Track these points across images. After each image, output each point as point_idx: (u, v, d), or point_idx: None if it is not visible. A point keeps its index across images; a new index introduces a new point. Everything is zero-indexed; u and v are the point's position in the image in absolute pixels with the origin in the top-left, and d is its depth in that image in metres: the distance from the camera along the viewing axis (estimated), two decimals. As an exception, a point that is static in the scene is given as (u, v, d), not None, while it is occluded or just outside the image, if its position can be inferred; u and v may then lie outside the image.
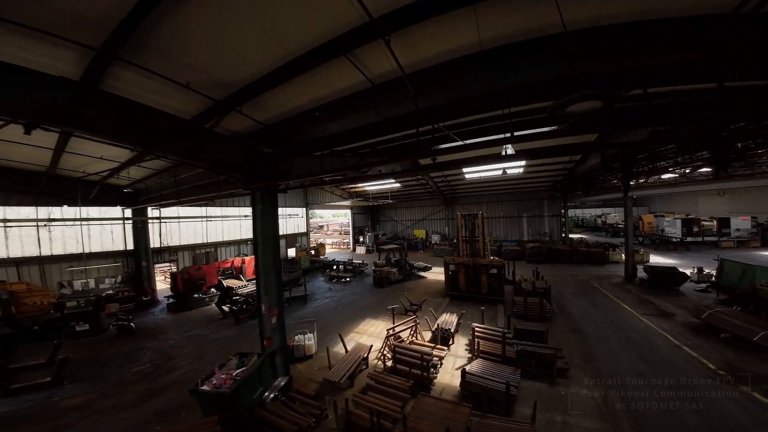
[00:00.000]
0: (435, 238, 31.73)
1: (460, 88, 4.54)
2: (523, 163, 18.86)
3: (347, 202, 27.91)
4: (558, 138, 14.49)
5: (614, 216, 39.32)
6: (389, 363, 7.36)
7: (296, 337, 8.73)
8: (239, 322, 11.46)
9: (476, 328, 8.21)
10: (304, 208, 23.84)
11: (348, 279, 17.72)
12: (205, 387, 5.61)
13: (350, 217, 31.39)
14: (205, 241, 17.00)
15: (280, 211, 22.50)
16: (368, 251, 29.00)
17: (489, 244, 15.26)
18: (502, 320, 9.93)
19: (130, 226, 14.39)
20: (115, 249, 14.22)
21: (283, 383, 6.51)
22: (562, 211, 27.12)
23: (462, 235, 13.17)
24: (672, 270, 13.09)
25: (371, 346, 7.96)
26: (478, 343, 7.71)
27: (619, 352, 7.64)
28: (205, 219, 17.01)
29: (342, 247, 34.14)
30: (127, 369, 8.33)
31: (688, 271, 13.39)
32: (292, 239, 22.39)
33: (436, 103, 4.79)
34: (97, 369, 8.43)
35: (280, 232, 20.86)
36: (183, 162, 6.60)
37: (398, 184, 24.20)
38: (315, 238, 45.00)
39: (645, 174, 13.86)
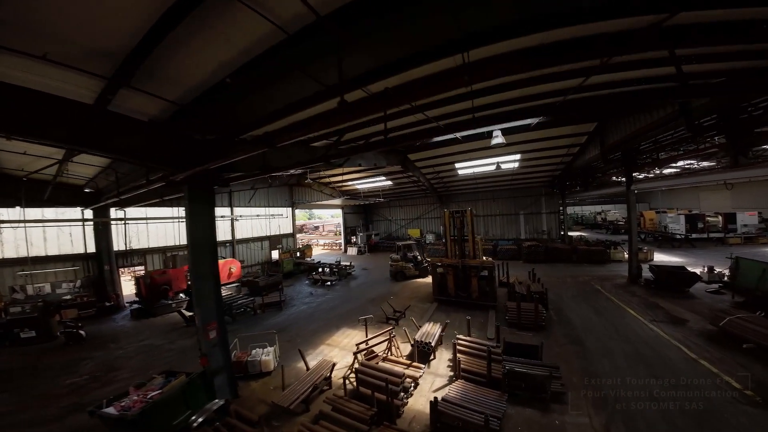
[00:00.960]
0: (429, 237, 30.55)
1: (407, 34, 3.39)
2: (518, 156, 17.66)
3: (337, 201, 26.74)
4: (551, 129, 13.35)
5: (614, 213, 37.88)
6: (355, 384, 6.21)
7: (253, 351, 7.56)
8: (202, 331, 10.33)
9: (459, 342, 7.02)
10: (290, 208, 22.65)
11: (332, 283, 16.55)
12: (110, 409, 4.66)
13: (341, 217, 30.22)
14: (177, 243, 15.83)
15: (262, 211, 21.29)
16: (360, 252, 27.79)
17: (481, 243, 14.05)
18: (492, 330, 8.78)
19: (92, 227, 13.25)
20: (74, 252, 13.07)
21: (216, 406, 5.37)
22: (561, 208, 26.05)
23: (450, 234, 12.00)
24: (681, 270, 11.90)
25: (334, 364, 6.78)
26: (460, 360, 6.54)
27: (625, 368, 6.44)
28: (177, 220, 15.85)
29: (335, 248, 32.98)
30: (61, 380, 7.43)
31: (697, 271, 12.21)
32: (276, 240, 21.22)
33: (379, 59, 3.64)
34: (27, 379, 7.59)
35: (264, 233, 19.65)
36: (92, 152, 5.42)
37: (390, 182, 23.05)
38: (309, 238, 43.93)
39: (649, 165, 12.67)
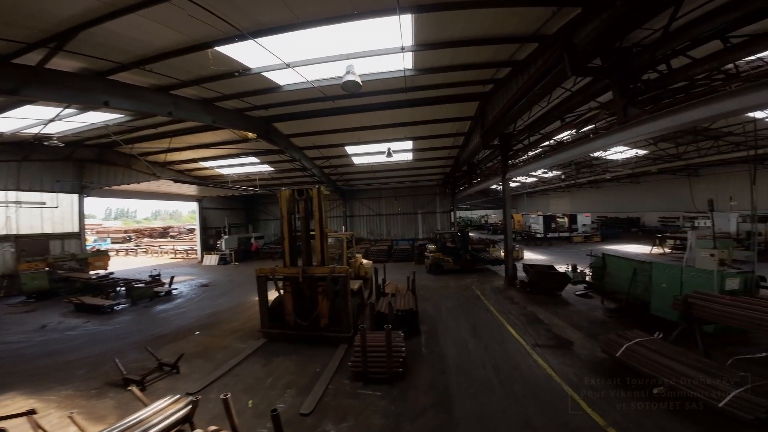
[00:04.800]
0: (331, 241, 26.21)
1: None
2: (410, 145, 15.13)
3: (191, 190, 19.43)
4: (437, 105, 10.68)
5: (494, 216, 43.96)
6: None
7: None
8: None
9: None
10: (74, 195, 14.46)
11: (111, 309, 10.14)
12: None
13: (197, 214, 22.49)
14: None
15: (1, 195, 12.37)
16: (224, 262, 20.83)
17: (348, 240, 10.28)
18: (320, 391, 4.87)
19: None
20: None
21: None
22: (452, 207, 26.07)
23: (288, 229, 7.62)
24: (552, 271, 10.78)
25: None
26: None
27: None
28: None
29: (192, 255, 24.70)
30: None
31: (563, 269, 11.45)
32: (34, 242, 12.77)
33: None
34: None
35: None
36: None
37: (270, 167, 17.57)
38: (162, 244, 33.48)
39: (523, 150, 11.50)
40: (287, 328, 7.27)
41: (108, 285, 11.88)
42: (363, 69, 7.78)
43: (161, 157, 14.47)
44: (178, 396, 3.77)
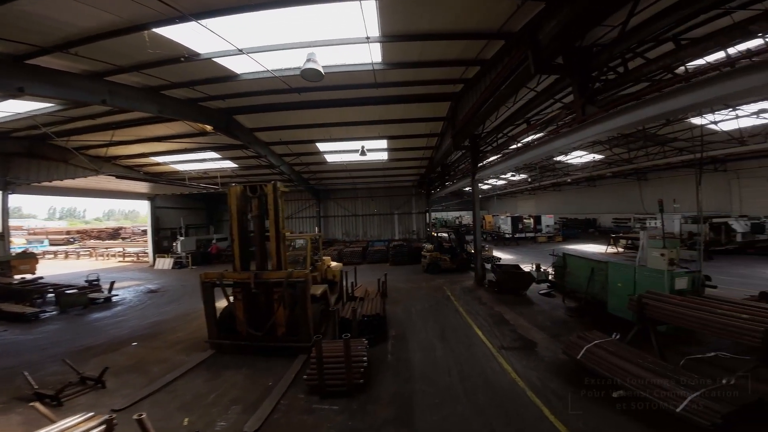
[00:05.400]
0: (300, 242, 25.10)
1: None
2: (384, 144, 14.72)
3: (141, 188, 17.61)
4: (410, 104, 10.34)
5: (467, 217, 44.45)
6: None
7: None
8: None
9: None
10: None
11: (36, 318, 8.77)
12: None
13: (149, 213, 20.51)
14: None
15: None
16: (179, 266, 19.06)
17: (313, 244, 9.68)
18: (269, 406, 4.31)
19: None
20: None
21: None
22: (427, 208, 26.19)
23: (238, 228, 6.88)
24: (518, 271, 10.93)
25: None
26: None
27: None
28: None
29: (144, 258, 22.51)
30: None
31: (528, 268, 11.70)
32: None
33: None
34: None
35: None
36: None
37: (234, 164, 16.34)
38: (112, 245, 30.56)
39: (492, 152, 11.65)
40: (239, 338, 6.57)
41: (33, 291, 10.28)
42: (328, 60, 7.29)
43: (103, 151, 12.87)
44: (92, 414, 3.12)
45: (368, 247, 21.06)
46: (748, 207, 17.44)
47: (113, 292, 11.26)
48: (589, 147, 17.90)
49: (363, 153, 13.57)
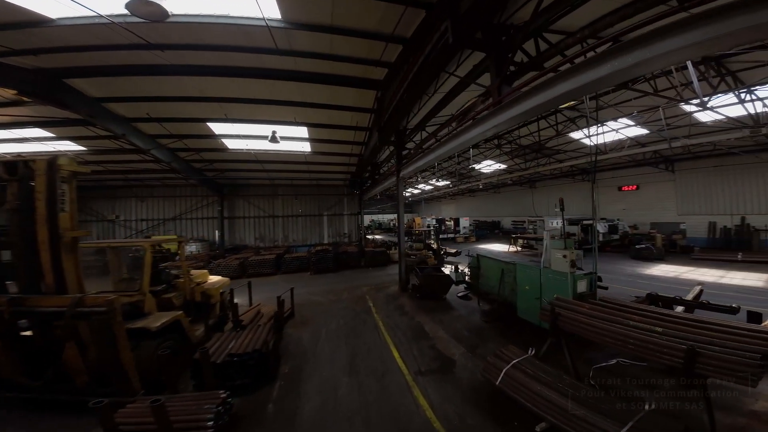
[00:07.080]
0: (196, 248, 20.47)
1: None
2: (305, 132, 12.44)
3: None
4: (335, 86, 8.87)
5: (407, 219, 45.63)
6: None
7: None
8: None
9: None
10: None
11: None
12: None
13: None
14: None
15: None
16: None
17: (160, 249, 6.97)
18: None
19: None
20: None
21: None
22: (360, 209, 24.50)
23: None
24: (438, 273, 10.55)
25: None
26: None
27: None
28: None
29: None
30: None
31: (447, 270, 11.51)
32: None
33: None
34: None
35: None
36: None
37: (79, 146, 11.76)
38: None
39: (415, 149, 11.18)
40: (12, 389, 4.00)
41: None
42: (201, 4, 5.34)
43: None
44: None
45: (285, 254, 18.20)
46: (603, 212, 21.55)
47: None
48: (496, 157, 19.57)
49: (275, 139, 11.30)
